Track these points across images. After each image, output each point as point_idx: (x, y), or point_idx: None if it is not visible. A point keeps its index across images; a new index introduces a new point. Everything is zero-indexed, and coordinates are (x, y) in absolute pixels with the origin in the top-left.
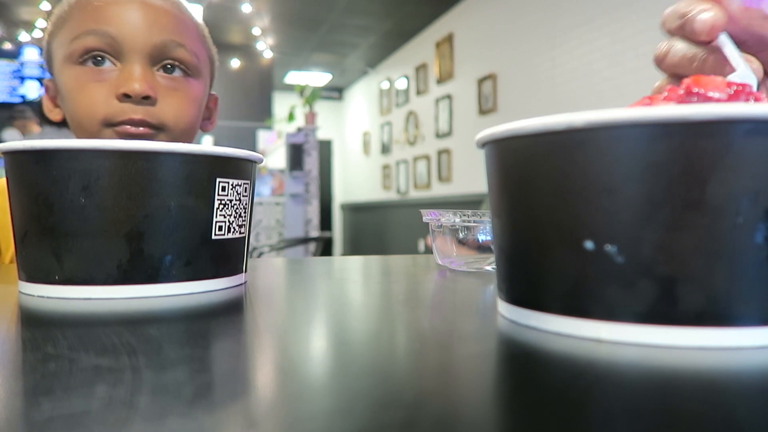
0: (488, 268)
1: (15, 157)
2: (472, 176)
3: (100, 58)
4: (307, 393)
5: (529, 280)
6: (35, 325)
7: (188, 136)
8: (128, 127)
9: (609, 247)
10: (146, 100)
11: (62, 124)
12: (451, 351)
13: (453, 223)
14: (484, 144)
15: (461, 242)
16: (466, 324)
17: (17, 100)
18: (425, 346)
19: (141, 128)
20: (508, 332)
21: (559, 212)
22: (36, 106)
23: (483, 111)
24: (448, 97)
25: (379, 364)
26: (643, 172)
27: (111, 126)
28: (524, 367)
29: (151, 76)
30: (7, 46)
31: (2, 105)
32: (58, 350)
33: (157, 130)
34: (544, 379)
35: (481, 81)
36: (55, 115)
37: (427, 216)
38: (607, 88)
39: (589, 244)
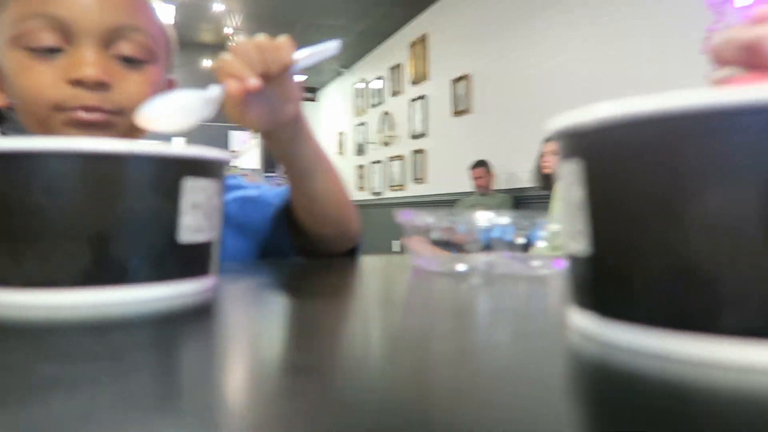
0: (461, 268)
1: None
2: (447, 177)
3: (48, 43)
4: (276, 398)
5: (626, 289)
6: None
7: None
8: (81, 113)
9: (721, 256)
10: (100, 86)
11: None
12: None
13: (426, 223)
14: (562, 133)
15: (435, 242)
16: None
17: None
18: (464, 355)
19: (96, 114)
20: (599, 351)
21: (663, 212)
22: None
23: (457, 111)
24: (423, 97)
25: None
26: None
27: (62, 110)
28: (609, 387)
29: (105, 60)
30: None
31: None
32: (12, 360)
33: (112, 115)
34: (635, 403)
35: (455, 82)
36: None
37: (401, 216)
38: (582, 89)
39: (696, 251)
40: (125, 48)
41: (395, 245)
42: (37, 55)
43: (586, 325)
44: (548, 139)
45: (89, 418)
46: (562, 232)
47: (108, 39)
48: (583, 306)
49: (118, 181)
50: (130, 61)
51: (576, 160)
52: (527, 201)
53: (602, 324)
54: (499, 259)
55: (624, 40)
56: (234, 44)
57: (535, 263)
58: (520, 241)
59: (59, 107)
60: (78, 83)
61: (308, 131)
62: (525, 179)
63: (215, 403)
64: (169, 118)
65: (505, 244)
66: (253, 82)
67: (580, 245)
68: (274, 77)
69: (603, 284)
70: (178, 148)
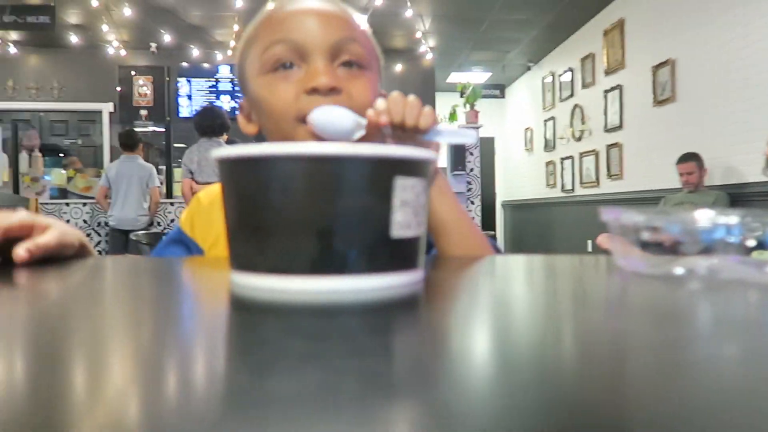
0: (678, 271)
1: (226, 163)
2: (646, 172)
3: (288, 64)
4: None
5: None
6: (246, 310)
7: None
8: None
9: None
10: (332, 91)
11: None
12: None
13: (635, 222)
14: None
15: (643, 243)
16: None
17: None
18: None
19: None
20: None
21: None
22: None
23: (659, 101)
24: (618, 87)
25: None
26: None
27: (304, 121)
28: None
29: (333, 70)
30: (205, 65)
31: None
32: (265, 335)
33: None
34: None
35: (656, 68)
36: (250, 128)
37: (607, 214)
38: None
39: None
40: (347, 57)
41: (589, 245)
42: (280, 75)
43: None
44: None
45: (338, 389)
46: None
47: (333, 53)
48: None
49: (338, 181)
50: (351, 66)
51: None
52: (748, 198)
53: None
54: (724, 262)
55: None
56: (392, 95)
57: None
58: (750, 243)
59: (299, 115)
60: (314, 91)
61: (444, 189)
62: (747, 173)
63: (438, 385)
64: (328, 126)
65: (730, 246)
66: (384, 119)
67: None
68: (408, 131)
69: None
70: (391, 149)
